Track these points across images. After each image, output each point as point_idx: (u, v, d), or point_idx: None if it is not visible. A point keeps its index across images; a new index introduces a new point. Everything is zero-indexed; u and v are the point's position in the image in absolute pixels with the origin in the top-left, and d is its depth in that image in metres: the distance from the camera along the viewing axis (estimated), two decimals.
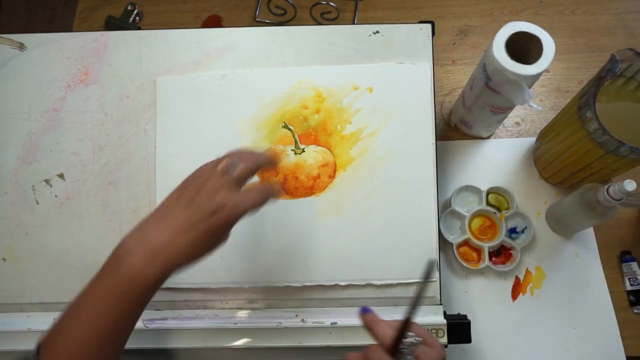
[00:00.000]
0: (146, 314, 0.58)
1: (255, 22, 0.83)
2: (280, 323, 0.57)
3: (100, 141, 0.61)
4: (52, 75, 0.62)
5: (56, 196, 0.61)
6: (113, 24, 0.79)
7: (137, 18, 0.83)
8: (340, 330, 0.57)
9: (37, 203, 0.61)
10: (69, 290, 0.59)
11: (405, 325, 0.41)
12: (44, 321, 0.58)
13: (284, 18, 0.81)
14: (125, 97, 0.62)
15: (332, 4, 0.75)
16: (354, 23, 0.82)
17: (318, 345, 0.56)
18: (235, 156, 0.43)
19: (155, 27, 0.82)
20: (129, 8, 0.82)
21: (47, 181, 0.61)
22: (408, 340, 0.41)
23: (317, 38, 0.62)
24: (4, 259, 0.60)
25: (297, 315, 0.58)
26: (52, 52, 0.63)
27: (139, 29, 0.79)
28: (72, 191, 0.61)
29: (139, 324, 0.57)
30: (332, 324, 0.57)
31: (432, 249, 0.58)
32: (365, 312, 0.45)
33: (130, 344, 0.57)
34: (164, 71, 0.62)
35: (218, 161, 0.43)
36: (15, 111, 0.62)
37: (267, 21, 0.82)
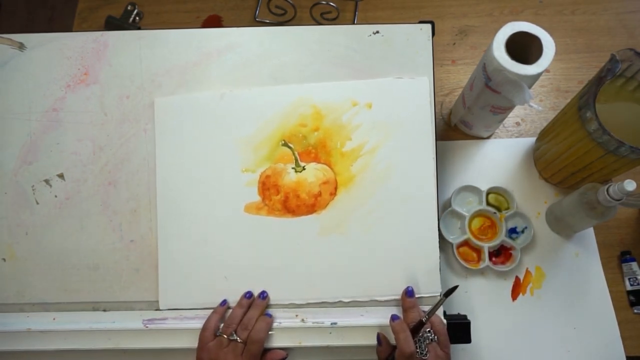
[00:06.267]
0: (146, 314, 0.59)
1: (255, 22, 0.83)
2: (280, 323, 0.57)
3: (100, 141, 0.61)
4: (52, 75, 0.62)
5: (56, 196, 0.61)
6: (113, 24, 0.79)
7: (137, 18, 0.83)
8: (340, 330, 0.57)
9: (37, 203, 0.61)
10: (69, 291, 0.60)
11: (420, 324, 0.52)
12: (44, 321, 0.59)
13: (284, 18, 0.81)
14: (125, 97, 0.62)
15: (332, 4, 0.75)
16: (354, 23, 0.82)
17: (318, 345, 0.56)
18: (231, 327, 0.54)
19: (155, 27, 0.82)
20: (129, 8, 0.82)
21: (47, 181, 0.61)
22: (428, 334, 0.52)
23: (317, 38, 0.62)
24: (4, 259, 0.60)
25: (297, 315, 0.58)
26: (52, 52, 0.63)
27: (139, 29, 0.79)
28: (72, 191, 0.61)
29: (139, 324, 0.58)
30: (332, 324, 0.57)
31: (434, 263, 0.58)
32: (409, 295, 0.56)
33: (130, 344, 0.57)
34: (164, 71, 0.62)
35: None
36: (15, 111, 0.62)
37: (267, 21, 0.82)
